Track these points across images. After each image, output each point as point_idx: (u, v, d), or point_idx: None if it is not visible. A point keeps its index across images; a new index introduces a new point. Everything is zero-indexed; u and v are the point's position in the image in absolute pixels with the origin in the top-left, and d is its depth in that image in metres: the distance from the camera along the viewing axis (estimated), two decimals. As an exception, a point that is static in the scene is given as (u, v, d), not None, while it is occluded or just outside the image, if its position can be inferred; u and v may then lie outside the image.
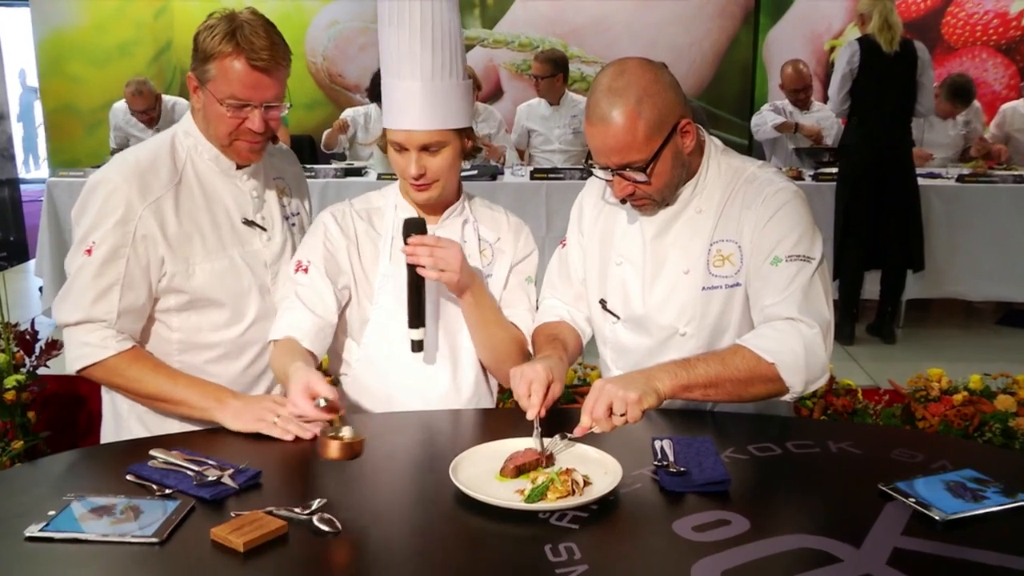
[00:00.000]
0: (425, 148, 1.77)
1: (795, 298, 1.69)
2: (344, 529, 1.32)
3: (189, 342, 1.85)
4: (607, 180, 1.77)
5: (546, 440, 1.54)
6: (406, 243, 1.73)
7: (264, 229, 1.88)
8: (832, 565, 1.23)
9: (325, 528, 1.31)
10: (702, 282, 1.78)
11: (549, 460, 1.51)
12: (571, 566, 1.22)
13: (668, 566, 1.25)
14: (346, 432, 1.47)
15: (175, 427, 1.79)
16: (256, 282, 1.86)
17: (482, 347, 1.86)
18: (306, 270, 1.82)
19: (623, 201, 1.78)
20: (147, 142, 1.87)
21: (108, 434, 1.91)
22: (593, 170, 1.79)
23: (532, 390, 1.59)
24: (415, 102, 1.74)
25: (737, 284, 1.77)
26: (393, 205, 1.91)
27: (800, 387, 1.67)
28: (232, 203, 1.85)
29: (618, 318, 1.87)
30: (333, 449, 1.44)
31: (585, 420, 1.52)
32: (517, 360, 1.83)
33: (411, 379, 1.85)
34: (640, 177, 1.70)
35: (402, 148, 1.78)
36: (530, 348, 1.87)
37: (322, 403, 1.51)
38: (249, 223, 1.87)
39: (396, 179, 1.91)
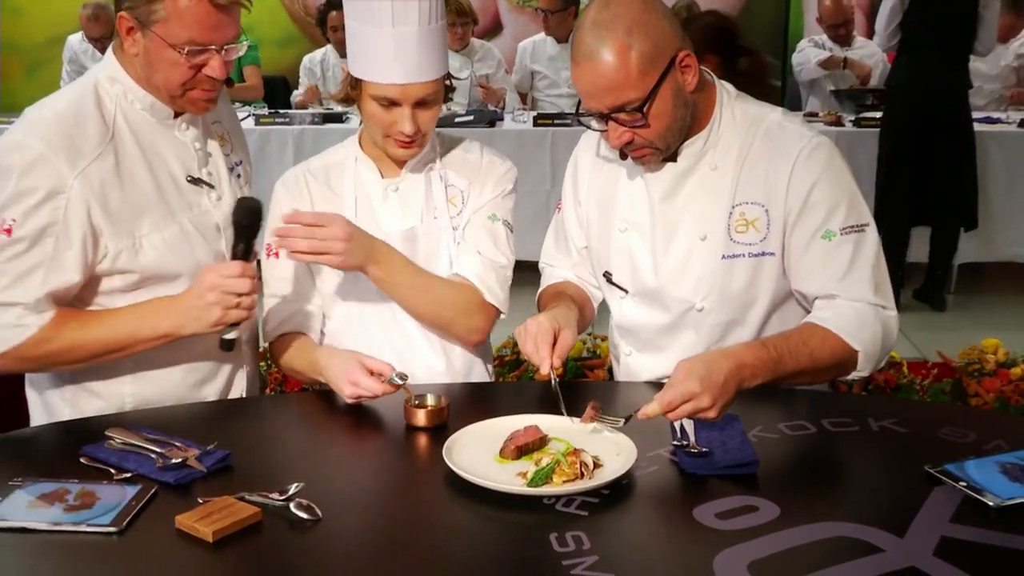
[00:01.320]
0: (421, 102, 1.75)
1: (865, 277, 1.71)
2: (324, 516, 1.32)
3: None
4: (601, 131, 1.73)
5: (607, 421, 1.55)
6: (242, 227, 1.65)
7: (212, 186, 1.82)
8: (872, 556, 1.23)
9: (303, 515, 1.31)
10: (722, 250, 1.76)
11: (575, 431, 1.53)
12: (579, 557, 1.22)
13: (688, 557, 1.26)
14: (430, 399, 1.64)
15: (126, 405, 1.77)
16: (211, 250, 1.80)
17: (418, 317, 1.86)
18: (276, 254, 1.85)
19: (622, 155, 1.75)
20: (61, 93, 1.76)
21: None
22: (583, 120, 1.75)
23: (537, 344, 1.61)
24: (410, 49, 1.70)
25: (764, 253, 1.76)
26: (352, 158, 1.89)
27: (867, 372, 1.71)
28: (174, 159, 1.78)
29: (626, 292, 1.87)
30: (422, 417, 1.61)
31: (654, 408, 1.47)
32: (468, 314, 1.84)
33: (389, 351, 1.83)
34: (637, 120, 1.65)
35: (392, 104, 1.74)
36: (487, 296, 1.85)
37: (396, 380, 1.65)
38: (195, 181, 1.79)
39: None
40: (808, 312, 1.78)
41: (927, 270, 4.93)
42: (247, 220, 1.66)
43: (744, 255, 1.76)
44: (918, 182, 4.66)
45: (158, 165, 1.76)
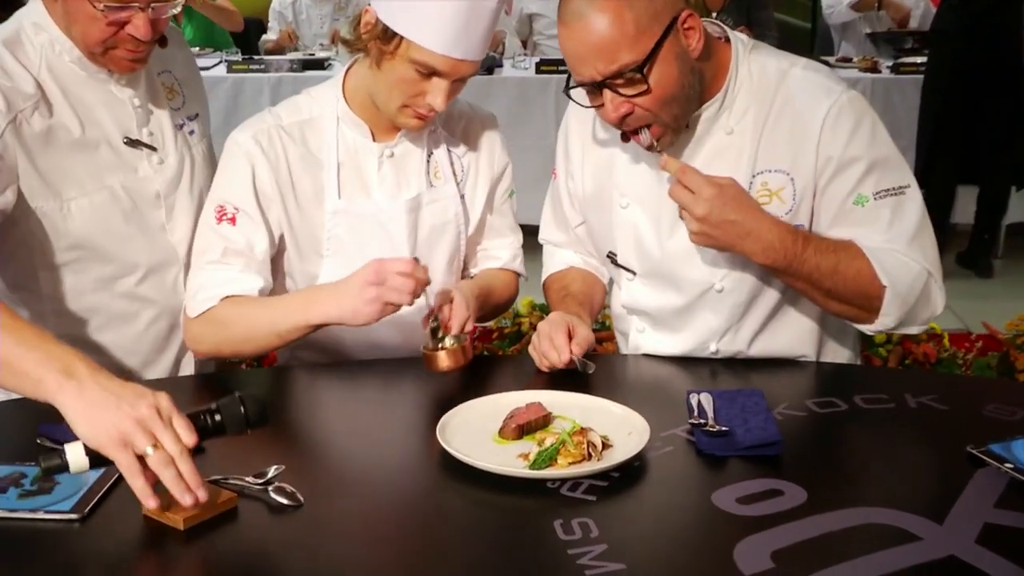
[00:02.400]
0: (462, 79, 1.72)
1: (903, 243, 1.69)
2: (306, 502, 1.33)
3: (66, 307, 1.77)
4: (595, 106, 1.67)
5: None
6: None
7: (154, 149, 1.80)
8: (909, 544, 1.24)
9: (283, 500, 1.32)
10: None
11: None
12: (586, 546, 1.23)
13: (705, 545, 1.27)
14: (448, 341, 1.69)
15: None
16: (146, 221, 1.78)
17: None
18: (233, 220, 1.76)
19: (624, 137, 1.69)
20: None
21: None
22: (573, 95, 1.71)
23: (553, 337, 1.69)
24: (481, 26, 1.67)
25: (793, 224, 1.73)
26: (334, 117, 1.83)
27: (890, 323, 1.69)
28: (109, 118, 1.74)
29: (634, 273, 1.86)
30: (443, 360, 1.67)
31: (677, 164, 1.60)
32: (510, 295, 2.02)
33: (384, 334, 1.83)
34: (637, 86, 1.58)
35: (433, 74, 1.69)
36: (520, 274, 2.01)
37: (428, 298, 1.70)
38: (133, 143, 1.76)
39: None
40: None
41: (972, 233, 4.92)
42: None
43: None
44: (966, 136, 4.64)
45: (90, 124, 1.72)
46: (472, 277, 1.98)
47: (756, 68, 1.73)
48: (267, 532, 1.28)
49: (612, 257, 1.88)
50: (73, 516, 1.29)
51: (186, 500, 1.22)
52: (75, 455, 1.23)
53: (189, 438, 1.23)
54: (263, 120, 1.82)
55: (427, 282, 1.64)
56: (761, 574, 1.18)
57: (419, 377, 1.73)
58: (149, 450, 1.20)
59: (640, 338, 1.91)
